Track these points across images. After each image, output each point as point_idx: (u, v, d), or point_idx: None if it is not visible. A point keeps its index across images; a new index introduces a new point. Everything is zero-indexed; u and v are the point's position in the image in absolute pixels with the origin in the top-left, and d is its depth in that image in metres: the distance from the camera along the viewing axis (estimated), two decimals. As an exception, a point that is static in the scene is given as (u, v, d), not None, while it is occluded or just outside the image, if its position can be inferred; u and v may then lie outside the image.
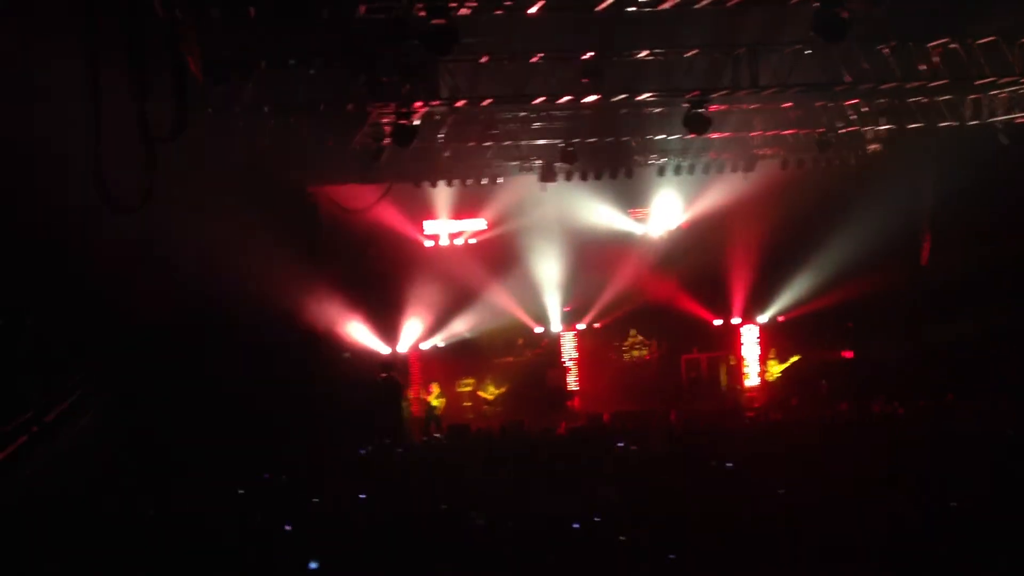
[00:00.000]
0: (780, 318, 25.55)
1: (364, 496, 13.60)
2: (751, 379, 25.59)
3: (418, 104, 15.23)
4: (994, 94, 18.13)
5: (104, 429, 16.40)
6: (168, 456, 16.00)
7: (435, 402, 23.03)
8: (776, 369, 24.68)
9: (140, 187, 8.41)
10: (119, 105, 8.00)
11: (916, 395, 20.15)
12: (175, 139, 8.43)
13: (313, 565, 9.40)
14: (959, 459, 13.38)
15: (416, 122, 15.70)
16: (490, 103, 15.85)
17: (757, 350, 25.66)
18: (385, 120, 16.37)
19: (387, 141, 17.03)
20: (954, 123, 18.94)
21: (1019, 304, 20.55)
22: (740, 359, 25.72)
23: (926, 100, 18.44)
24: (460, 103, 15.53)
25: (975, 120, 18.89)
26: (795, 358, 24.50)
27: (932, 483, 11.87)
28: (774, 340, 25.30)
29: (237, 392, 17.67)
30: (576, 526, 11.16)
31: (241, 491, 14.29)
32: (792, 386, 24.48)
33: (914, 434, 16.48)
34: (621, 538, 10.62)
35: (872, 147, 21.44)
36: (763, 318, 25.66)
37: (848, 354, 24.91)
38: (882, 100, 18.71)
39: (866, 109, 19.23)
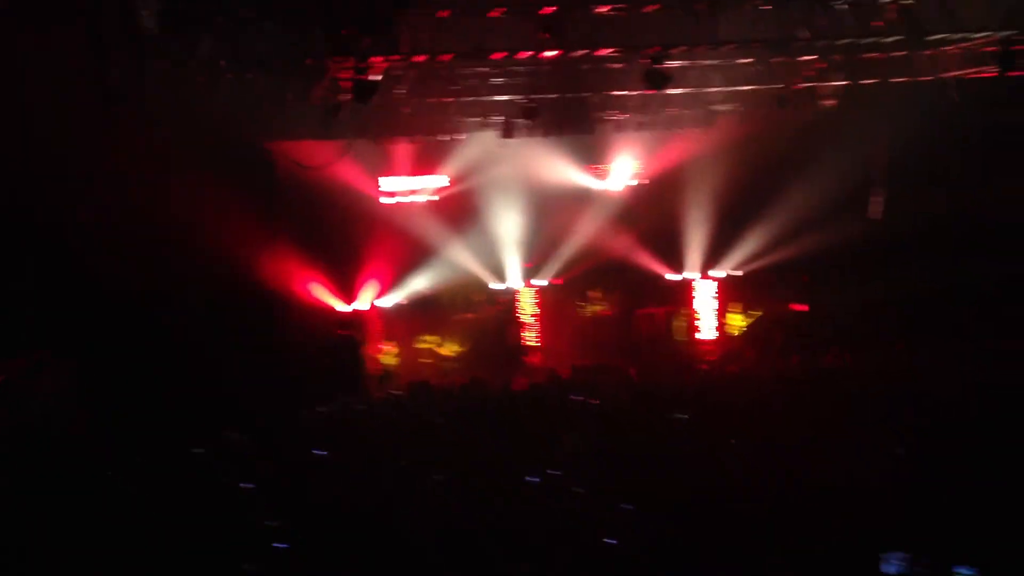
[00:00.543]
0: (736, 272, 25.85)
1: (324, 453, 13.68)
2: (705, 333, 25.91)
3: (377, 59, 15.08)
4: (947, 50, 18.34)
5: (62, 391, 16.28)
6: (126, 417, 15.93)
7: (389, 360, 23.07)
8: (740, 323, 24.96)
9: (97, 144, 8.33)
10: (76, 63, 7.91)
11: (868, 347, 20.53)
12: (130, 95, 8.34)
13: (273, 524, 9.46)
14: (909, 408, 13.71)
15: (376, 77, 15.54)
16: (450, 58, 15.75)
17: (713, 304, 25.96)
18: (344, 75, 16.20)
19: (346, 97, 16.87)
20: (907, 78, 19.14)
21: (969, 256, 20.94)
22: (693, 313, 26.00)
23: (880, 56, 18.66)
24: (420, 58, 15.40)
25: (928, 76, 19.10)
26: (758, 312, 24.78)
27: (882, 433, 12.17)
28: (732, 294, 25.59)
29: (193, 351, 17.56)
30: (536, 480, 11.33)
31: (199, 450, 14.31)
32: (747, 339, 24.85)
33: (864, 384, 16.82)
34: (578, 490, 10.81)
35: (827, 102, 21.57)
36: (719, 272, 25.95)
37: (802, 307, 25.28)
38: (837, 56, 18.89)
39: (822, 65, 19.38)
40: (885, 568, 6.98)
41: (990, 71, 18.06)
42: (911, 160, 22.56)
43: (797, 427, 12.97)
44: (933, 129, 20.61)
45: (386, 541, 9.36)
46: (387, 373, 22.64)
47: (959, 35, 16.41)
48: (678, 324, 26.05)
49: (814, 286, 24.85)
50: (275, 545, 9.36)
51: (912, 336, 19.88)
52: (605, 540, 8.86)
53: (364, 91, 15.21)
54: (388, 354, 23.18)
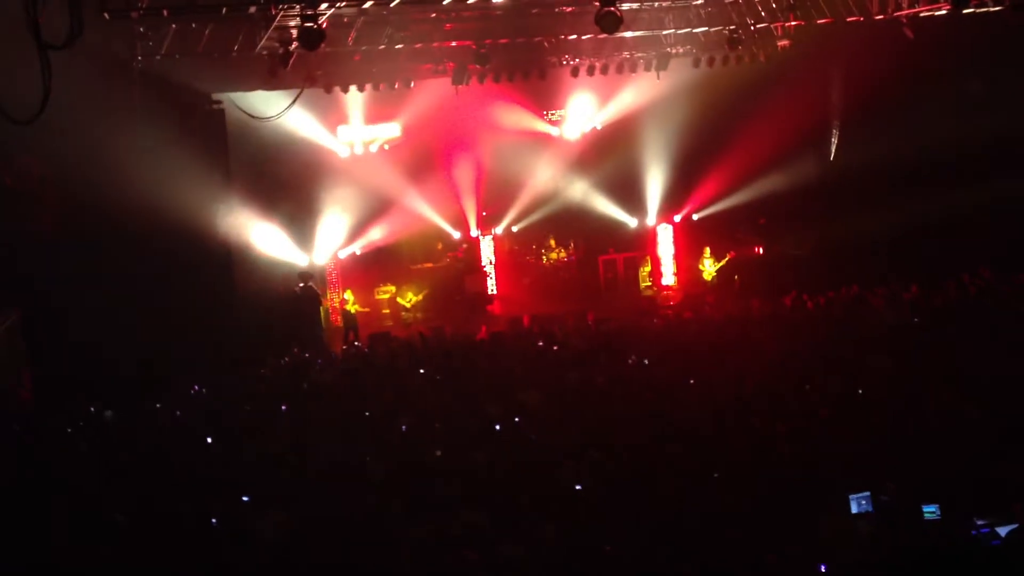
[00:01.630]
0: (695, 216, 25.91)
1: (285, 408, 13.61)
2: (667, 278, 26.02)
3: (324, 5, 14.77)
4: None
5: (10, 350, 16.02)
6: (83, 376, 15.73)
7: (352, 309, 22.95)
8: (712, 268, 25.00)
9: (35, 97, 8.06)
10: (12, 13, 7.62)
11: (825, 289, 20.68)
12: (70, 46, 8.07)
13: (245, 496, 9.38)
14: (865, 349, 13.86)
15: (323, 24, 15.24)
16: (399, 4, 15.46)
17: (672, 249, 26.06)
18: (291, 23, 15.87)
19: (294, 45, 16.55)
20: (861, 18, 19.12)
21: (923, 198, 21.12)
22: (656, 259, 26.09)
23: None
24: (368, 3, 15.11)
25: (881, 15, 19.09)
26: (729, 256, 24.82)
27: (840, 372, 12.30)
28: (694, 239, 25.61)
29: (150, 308, 17.32)
30: (498, 427, 11.35)
31: (171, 408, 14.20)
32: (707, 284, 24.96)
33: (821, 326, 16.98)
34: (532, 437, 10.84)
35: (781, 43, 21.51)
36: (678, 217, 26.00)
37: (760, 250, 25.42)
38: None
39: (775, 5, 19.31)
40: (853, 507, 7.06)
41: (943, 8, 18.11)
42: (866, 101, 22.61)
43: (755, 368, 13.07)
44: (888, 68, 20.65)
45: (353, 489, 9.34)
46: (350, 323, 22.50)
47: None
48: (643, 271, 26.08)
49: (771, 229, 24.95)
50: (242, 498, 9.30)
51: (866, 279, 20.03)
52: (570, 485, 8.88)
53: (312, 39, 14.90)
54: (350, 305, 23.03)
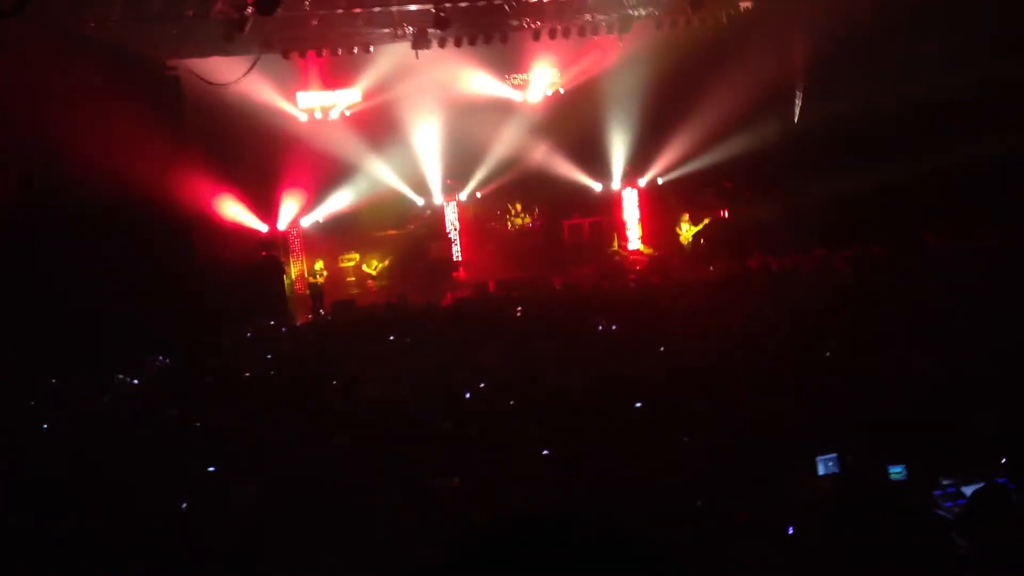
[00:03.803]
0: (659, 180, 25.88)
1: (249, 374, 13.48)
2: (633, 243, 26.02)
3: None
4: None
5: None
6: (43, 347, 15.47)
7: (319, 280, 22.76)
8: (690, 232, 24.95)
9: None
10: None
11: (790, 251, 20.78)
12: (19, 13, 7.82)
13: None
14: (832, 309, 13.93)
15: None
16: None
17: (637, 213, 26.04)
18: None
19: (250, 10, 16.22)
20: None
21: (885, 159, 21.20)
22: (622, 223, 26.07)
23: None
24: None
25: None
26: (707, 220, 24.77)
27: (805, 334, 12.36)
28: (662, 202, 25.55)
29: (109, 280, 17.05)
30: (467, 395, 11.29)
31: (134, 380, 14.01)
32: (674, 249, 24.96)
33: (787, 287, 17.07)
34: (510, 402, 10.80)
35: (744, 4, 21.43)
36: (643, 181, 25.96)
37: (725, 213, 25.47)
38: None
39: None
40: (820, 469, 7.07)
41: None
42: (828, 62, 22.60)
43: (720, 331, 13.09)
44: (850, 29, 20.64)
45: (323, 461, 9.26)
46: (316, 292, 22.31)
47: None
48: (614, 236, 26.01)
49: (735, 192, 24.98)
50: (208, 469, 9.19)
51: (830, 242, 20.13)
52: (537, 450, 8.86)
53: (267, 3, 14.63)
54: (316, 273, 22.84)
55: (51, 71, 16.07)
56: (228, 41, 18.08)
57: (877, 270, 17.35)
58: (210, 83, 19.95)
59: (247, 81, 20.99)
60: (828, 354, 11.37)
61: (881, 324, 12.47)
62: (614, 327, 14.79)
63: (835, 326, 12.64)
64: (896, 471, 6.92)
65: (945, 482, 6.64)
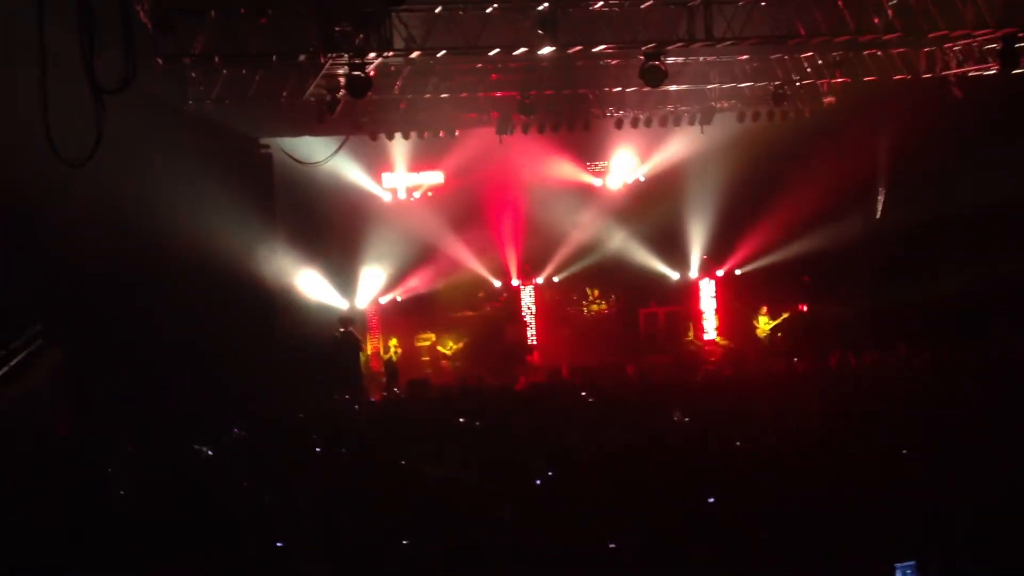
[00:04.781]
0: (737, 272, 25.72)
1: (320, 450, 13.58)
2: (709, 333, 25.79)
3: (371, 55, 14.99)
4: (947, 47, 18.25)
5: (52, 387, 16.17)
6: (126, 413, 15.84)
7: (393, 357, 22.97)
8: (767, 325, 24.64)
9: (89, 140, 8.21)
10: (69, 59, 7.79)
11: (870, 348, 20.37)
12: (124, 91, 8.21)
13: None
14: (911, 409, 13.60)
15: (370, 73, 15.45)
16: (445, 54, 15.64)
17: (714, 303, 25.86)
18: (339, 71, 16.11)
19: (341, 93, 16.77)
20: (908, 76, 19.06)
21: (969, 257, 20.83)
22: (698, 313, 25.89)
23: (880, 53, 18.58)
24: (414, 54, 15.30)
25: (928, 73, 19.01)
26: (785, 315, 24.45)
27: (886, 432, 12.06)
28: (744, 295, 25.30)
29: (192, 348, 17.48)
30: (538, 483, 11.21)
31: (209, 451, 14.18)
32: (750, 341, 24.64)
33: (866, 386, 16.71)
34: (579, 491, 10.68)
35: (827, 100, 21.49)
36: (720, 272, 25.83)
37: (804, 308, 25.12)
38: (836, 53, 18.81)
39: (821, 61, 19.30)
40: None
41: (992, 68, 17.96)
42: (913, 159, 22.42)
43: (797, 429, 12.85)
44: (934, 126, 20.50)
45: (383, 540, 9.26)
46: (391, 370, 22.49)
47: (959, 32, 16.30)
48: (690, 325, 25.77)
49: (815, 286, 24.65)
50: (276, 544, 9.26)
51: (912, 340, 19.71)
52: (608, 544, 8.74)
53: (359, 87, 15.08)
54: (391, 351, 23.07)
55: (151, 145, 16.86)
56: (319, 122, 18.70)
57: (959, 373, 16.90)
58: (300, 162, 20.59)
59: (334, 160, 21.63)
60: (905, 452, 11.09)
61: (960, 431, 12.11)
62: (687, 419, 14.61)
63: (911, 427, 12.33)
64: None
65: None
